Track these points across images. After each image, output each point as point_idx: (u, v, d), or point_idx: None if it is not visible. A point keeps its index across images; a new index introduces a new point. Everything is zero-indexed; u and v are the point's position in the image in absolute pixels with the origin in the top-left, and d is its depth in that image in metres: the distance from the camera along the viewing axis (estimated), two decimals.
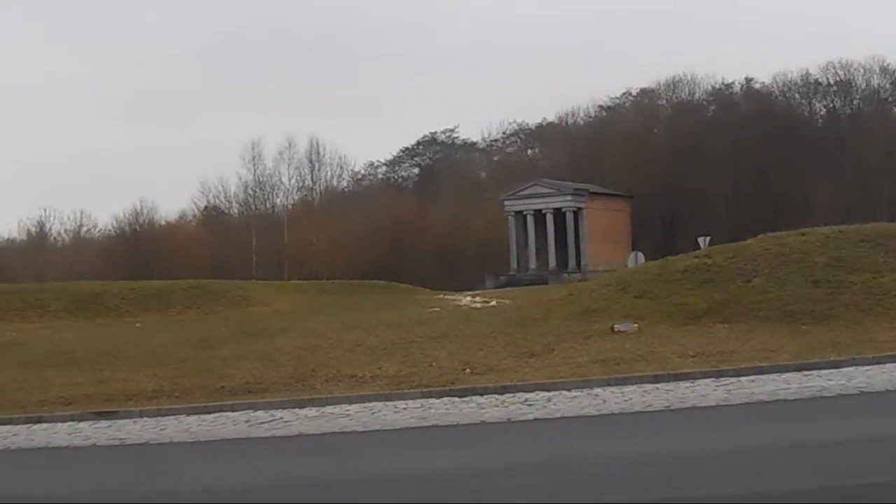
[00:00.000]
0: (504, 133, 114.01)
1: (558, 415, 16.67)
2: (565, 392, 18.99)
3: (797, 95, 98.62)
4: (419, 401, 19.24)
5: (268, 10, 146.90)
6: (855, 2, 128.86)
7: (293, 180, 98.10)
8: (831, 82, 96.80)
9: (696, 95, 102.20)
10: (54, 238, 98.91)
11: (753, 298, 26.99)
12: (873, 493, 9.34)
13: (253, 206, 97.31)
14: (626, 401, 17.59)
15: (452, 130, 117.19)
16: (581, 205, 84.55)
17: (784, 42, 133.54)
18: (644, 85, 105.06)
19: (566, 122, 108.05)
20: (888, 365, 19.45)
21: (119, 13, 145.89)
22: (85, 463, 15.60)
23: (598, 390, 18.97)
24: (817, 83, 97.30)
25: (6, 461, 16.27)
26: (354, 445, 15.44)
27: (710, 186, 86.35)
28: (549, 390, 19.21)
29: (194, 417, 19.14)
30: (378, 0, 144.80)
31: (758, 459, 11.38)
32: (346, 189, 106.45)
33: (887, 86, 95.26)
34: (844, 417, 14.65)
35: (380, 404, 19.09)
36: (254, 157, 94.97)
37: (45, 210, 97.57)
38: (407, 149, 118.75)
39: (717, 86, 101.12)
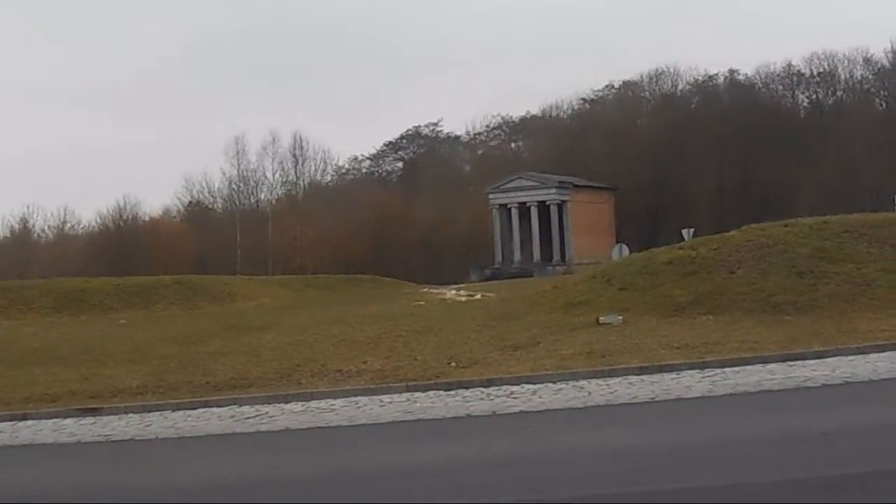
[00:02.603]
0: (488, 126, 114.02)
1: (544, 407, 16.69)
2: (550, 384, 19.00)
3: (780, 87, 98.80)
4: (404, 395, 19.23)
5: (249, 9, 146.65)
6: None
7: (277, 175, 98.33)
8: (814, 73, 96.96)
9: (680, 87, 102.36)
10: (38, 235, 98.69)
11: (737, 290, 27.06)
12: (857, 483, 9.37)
13: (237, 202, 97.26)
14: (611, 393, 17.62)
15: (436, 124, 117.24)
16: (565, 198, 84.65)
17: (767, 33, 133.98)
18: (627, 77, 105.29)
19: (550, 116, 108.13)
20: (871, 355, 19.53)
21: (102, 9, 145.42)
22: (70, 460, 15.55)
23: (583, 382, 18.98)
24: (800, 74, 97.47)
25: None
26: (340, 440, 15.44)
27: (693, 178, 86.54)
28: (534, 383, 19.22)
29: (179, 413, 19.10)
30: None
31: (743, 450, 11.41)
32: (330, 184, 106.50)
33: (870, 77, 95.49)
34: (829, 408, 14.71)
35: (365, 398, 19.07)
36: (237, 153, 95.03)
37: (28, 207, 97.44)
38: (390, 143, 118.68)
39: (701, 78, 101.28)
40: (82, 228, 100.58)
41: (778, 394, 16.33)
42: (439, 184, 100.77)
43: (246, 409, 18.95)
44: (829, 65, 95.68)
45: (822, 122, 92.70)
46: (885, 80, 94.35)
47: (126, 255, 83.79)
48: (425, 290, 53.28)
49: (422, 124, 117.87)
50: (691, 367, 19.61)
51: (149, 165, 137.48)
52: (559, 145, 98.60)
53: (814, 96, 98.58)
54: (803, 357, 19.76)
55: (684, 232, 51.46)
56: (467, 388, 19.37)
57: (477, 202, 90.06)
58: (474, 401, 17.88)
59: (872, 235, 29.35)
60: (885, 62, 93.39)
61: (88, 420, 18.94)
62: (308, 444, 15.40)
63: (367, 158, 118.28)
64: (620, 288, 29.48)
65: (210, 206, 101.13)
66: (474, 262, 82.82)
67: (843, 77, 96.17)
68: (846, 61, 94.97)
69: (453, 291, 48.61)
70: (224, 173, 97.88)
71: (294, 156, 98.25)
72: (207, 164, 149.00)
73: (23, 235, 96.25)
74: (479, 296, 42.95)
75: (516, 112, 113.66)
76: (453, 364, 21.99)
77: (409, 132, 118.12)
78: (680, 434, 13.26)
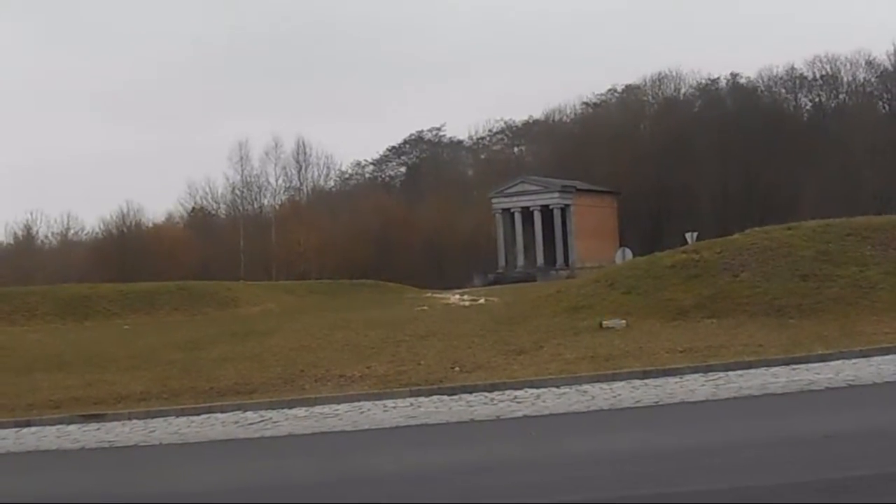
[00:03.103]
0: (490, 131, 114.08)
1: (547, 412, 16.69)
2: (554, 389, 19.02)
3: (783, 90, 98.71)
4: (408, 400, 19.24)
5: (251, 15, 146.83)
6: None
7: (280, 180, 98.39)
8: (817, 76, 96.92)
9: (682, 91, 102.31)
10: (41, 241, 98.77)
11: (741, 293, 27.05)
12: (862, 486, 9.38)
13: (240, 207, 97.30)
14: (614, 397, 17.62)
15: (439, 129, 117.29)
16: (568, 202, 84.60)
17: (769, 37, 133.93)
18: (630, 81, 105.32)
19: (553, 120, 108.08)
20: (875, 358, 19.55)
21: (104, 14, 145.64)
22: (74, 466, 15.57)
23: (586, 387, 18.99)
24: (803, 77, 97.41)
25: None
26: (344, 445, 15.43)
27: (696, 182, 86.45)
28: (538, 387, 19.24)
29: (183, 419, 19.12)
30: (361, 1, 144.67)
31: (747, 453, 11.41)
32: (333, 189, 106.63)
33: (873, 79, 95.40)
34: (832, 410, 14.72)
35: (369, 404, 19.09)
36: (241, 158, 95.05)
37: (31, 213, 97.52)
38: (394, 148, 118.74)
39: (703, 81, 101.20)
40: (86, 235, 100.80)
41: (782, 397, 16.33)
42: (442, 188, 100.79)
43: (250, 414, 18.97)
44: (831, 68, 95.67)
45: (824, 125, 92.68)
46: (888, 83, 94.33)
47: (130, 261, 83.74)
48: (429, 294, 53.24)
49: (425, 129, 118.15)
50: (695, 370, 19.63)
51: (152, 171, 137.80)
52: (562, 149, 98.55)
53: (816, 99, 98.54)
54: (807, 360, 19.80)
55: (688, 235, 51.39)
56: (471, 392, 19.38)
57: (480, 207, 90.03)
58: (478, 405, 17.89)
59: (876, 238, 29.34)
60: (888, 65, 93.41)
61: (92, 426, 18.96)
62: (312, 449, 15.40)
63: (371, 163, 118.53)
64: (624, 292, 29.48)
65: (213, 211, 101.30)
66: (478, 267, 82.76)
67: (845, 80, 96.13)
68: (848, 64, 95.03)
69: (457, 296, 48.55)
70: (227, 179, 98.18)
71: (297, 161, 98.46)
72: (211, 169, 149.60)
73: (26, 242, 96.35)
74: (482, 300, 42.93)
75: (519, 116, 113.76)
76: (457, 369, 22.00)
77: (412, 137, 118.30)
78: (684, 438, 13.25)
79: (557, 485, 10.73)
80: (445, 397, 19.12)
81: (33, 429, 19.15)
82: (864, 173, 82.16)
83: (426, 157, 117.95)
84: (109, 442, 17.16)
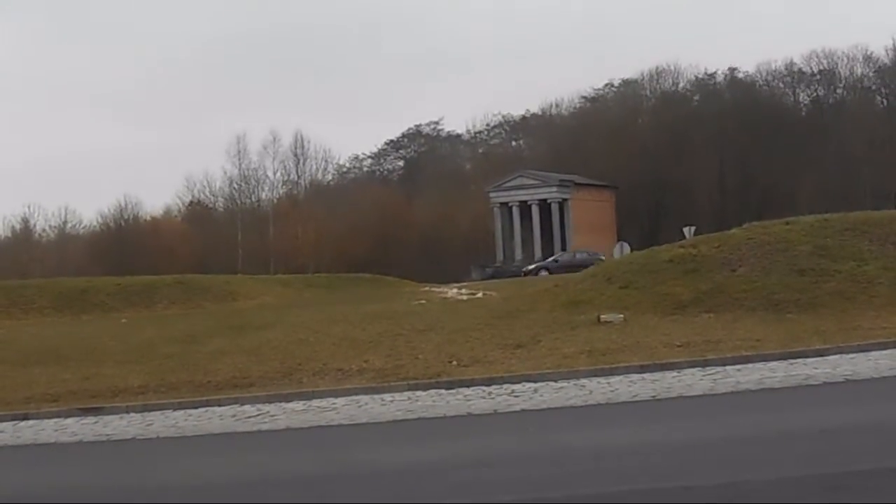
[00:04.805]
0: (488, 125, 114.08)
1: (545, 406, 16.70)
2: (552, 383, 19.02)
3: (781, 85, 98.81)
4: (406, 393, 19.25)
5: (250, 10, 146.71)
6: None
7: (278, 174, 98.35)
8: (815, 71, 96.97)
9: (680, 86, 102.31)
10: (39, 235, 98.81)
11: (739, 288, 27.03)
12: (859, 481, 9.37)
13: (238, 201, 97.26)
14: (612, 391, 17.62)
15: (437, 123, 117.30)
16: (566, 196, 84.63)
17: (767, 31, 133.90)
18: (627, 75, 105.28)
19: (550, 114, 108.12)
20: (873, 353, 19.55)
21: (103, 10, 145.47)
22: (72, 459, 15.57)
23: (584, 381, 19.00)
24: (801, 72, 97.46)
25: None
26: (341, 439, 15.44)
27: (694, 176, 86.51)
28: (535, 381, 19.24)
29: (181, 412, 19.13)
30: None
31: (744, 448, 11.42)
32: (331, 182, 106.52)
33: (871, 74, 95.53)
34: (830, 405, 14.72)
35: (366, 397, 19.09)
36: (239, 152, 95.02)
37: (29, 206, 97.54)
38: (392, 141, 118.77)
39: (701, 76, 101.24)
40: (83, 228, 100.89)
41: (779, 392, 16.34)
42: (440, 182, 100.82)
43: (247, 408, 18.98)
44: (829, 62, 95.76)
45: (822, 120, 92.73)
46: (886, 78, 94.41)
47: (127, 254, 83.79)
48: (426, 288, 53.11)
49: (423, 123, 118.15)
50: (692, 365, 19.63)
51: (150, 165, 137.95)
52: (560, 143, 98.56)
53: (814, 94, 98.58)
54: (804, 355, 19.79)
55: (685, 230, 51.51)
56: (469, 386, 19.39)
57: (478, 201, 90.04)
58: (476, 399, 17.89)
59: (874, 233, 29.32)
60: (886, 59, 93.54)
61: (90, 420, 18.97)
62: (309, 443, 15.41)
63: (369, 157, 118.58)
64: (622, 286, 29.44)
65: (211, 205, 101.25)
66: (476, 261, 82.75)
67: (843, 75, 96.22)
68: (846, 59, 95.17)
69: (455, 290, 48.43)
70: (225, 172, 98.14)
71: (295, 155, 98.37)
72: (208, 163, 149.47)
73: (24, 235, 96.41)
74: (480, 294, 42.82)
75: (517, 110, 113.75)
76: (455, 363, 22.00)
77: (411, 131, 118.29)
78: (681, 432, 13.25)
79: (554, 479, 10.72)
80: (443, 391, 19.14)
81: (31, 422, 19.16)
82: (862, 168, 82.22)
83: (424, 151, 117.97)
84: (107, 435, 17.17)
